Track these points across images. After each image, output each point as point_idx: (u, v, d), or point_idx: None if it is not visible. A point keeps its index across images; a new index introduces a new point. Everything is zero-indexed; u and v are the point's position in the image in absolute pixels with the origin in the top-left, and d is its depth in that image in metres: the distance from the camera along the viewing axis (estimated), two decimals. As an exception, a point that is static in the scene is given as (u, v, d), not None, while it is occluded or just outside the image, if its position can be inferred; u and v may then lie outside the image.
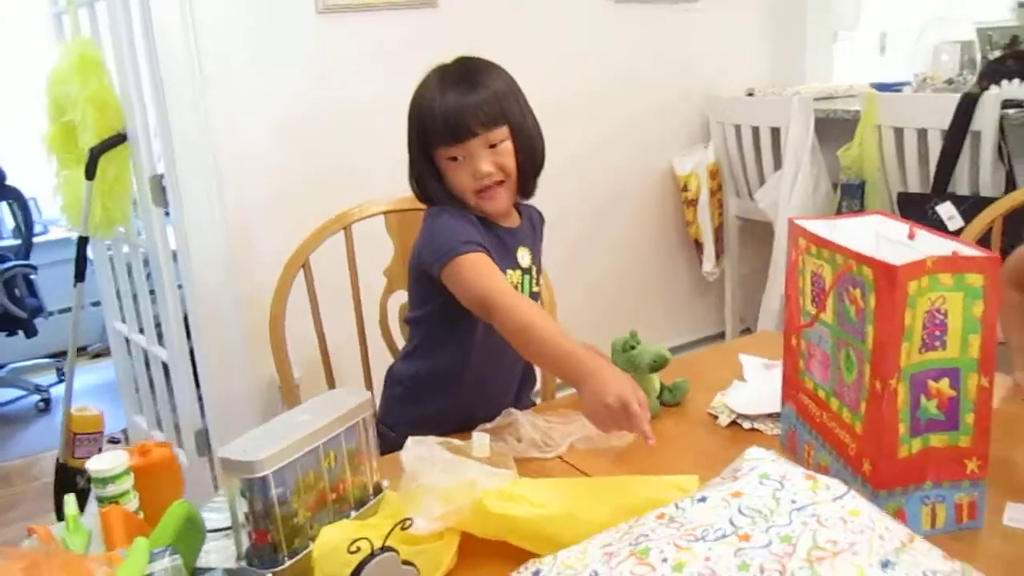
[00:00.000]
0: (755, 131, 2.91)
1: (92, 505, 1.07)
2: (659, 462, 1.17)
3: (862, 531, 0.77)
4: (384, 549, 0.78)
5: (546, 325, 1.18)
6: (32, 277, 3.73)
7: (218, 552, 1.02)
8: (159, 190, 2.26)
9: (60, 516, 0.80)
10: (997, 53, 2.84)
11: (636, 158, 3.05)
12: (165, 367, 2.58)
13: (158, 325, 2.58)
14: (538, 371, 1.60)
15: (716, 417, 1.31)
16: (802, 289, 1.12)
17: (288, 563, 0.92)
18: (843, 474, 1.02)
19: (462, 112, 1.27)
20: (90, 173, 2.28)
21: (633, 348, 1.35)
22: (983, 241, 1.65)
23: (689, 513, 0.86)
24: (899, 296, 0.92)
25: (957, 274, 0.93)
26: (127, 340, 2.84)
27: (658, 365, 1.33)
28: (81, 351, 2.68)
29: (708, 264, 3.11)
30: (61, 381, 3.97)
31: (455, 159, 1.30)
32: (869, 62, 3.48)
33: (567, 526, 0.94)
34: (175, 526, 0.95)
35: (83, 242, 2.41)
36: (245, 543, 0.95)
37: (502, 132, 1.30)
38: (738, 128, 2.97)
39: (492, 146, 1.30)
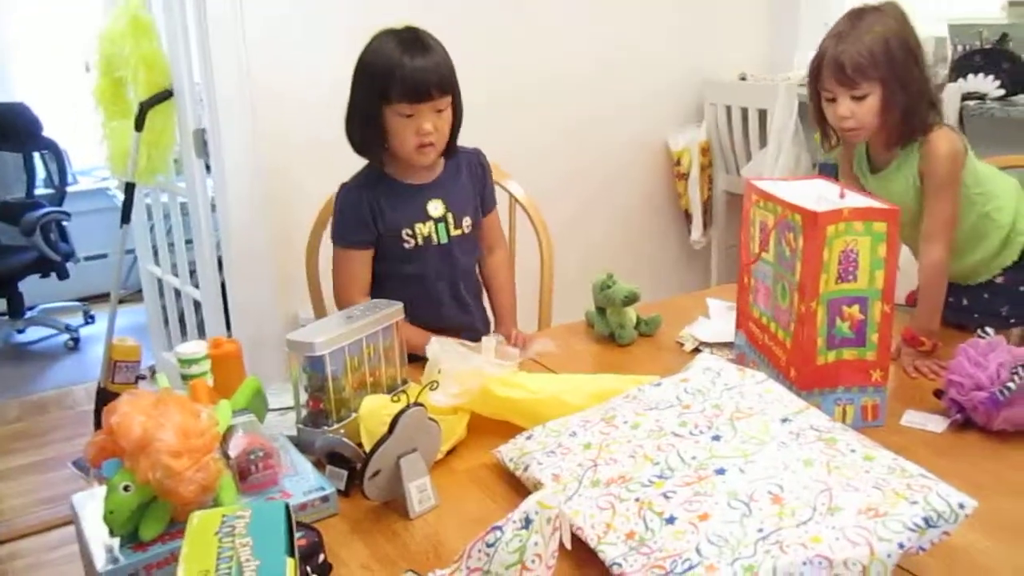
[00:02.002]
0: (744, 112, 3.15)
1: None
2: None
3: (771, 401, 1.04)
4: (417, 404, 1.04)
5: None
6: (64, 224, 3.99)
7: (275, 426, 1.29)
8: (201, 143, 2.51)
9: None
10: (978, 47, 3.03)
11: (634, 133, 3.28)
12: (197, 305, 2.84)
13: (192, 271, 2.84)
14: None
15: (682, 344, 1.58)
16: (752, 235, 1.37)
17: (336, 426, 1.19)
18: (776, 380, 1.28)
19: (425, 77, 1.50)
20: (139, 125, 2.53)
21: (609, 287, 1.61)
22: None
23: (647, 393, 1.13)
24: (819, 237, 1.17)
25: (867, 222, 1.19)
26: (159, 281, 3.10)
27: (631, 300, 1.59)
28: (106, 297, 2.92)
29: (696, 233, 3.36)
30: (87, 323, 4.24)
31: (408, 116, 1.52)
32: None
33: (554, 407, 1.20)
34: (248, 396, 1.21)
35: (130, 188, 2.65)
36: (303, 412, 1.21)
37: (447, 101, 1.55)
38: (729, 109, 3.21)
39: (439, 111, 1.54)
